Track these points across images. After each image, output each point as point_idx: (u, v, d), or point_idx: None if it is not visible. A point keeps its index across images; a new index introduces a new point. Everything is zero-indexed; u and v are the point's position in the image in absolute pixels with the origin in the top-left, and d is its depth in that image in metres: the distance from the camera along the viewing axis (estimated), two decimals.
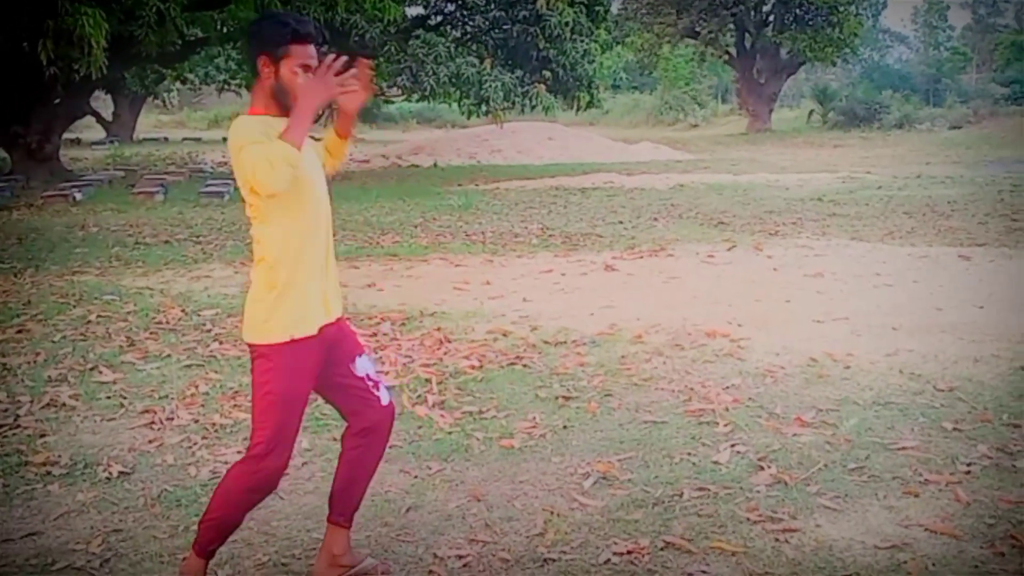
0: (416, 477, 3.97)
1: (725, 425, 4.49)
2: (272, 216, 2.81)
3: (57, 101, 17.88)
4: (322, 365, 2.92)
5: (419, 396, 4.99)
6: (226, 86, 30.54)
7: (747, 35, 35.39)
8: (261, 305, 2.84)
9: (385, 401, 3.05)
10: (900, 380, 5.15)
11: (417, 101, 21.42)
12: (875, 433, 4.36)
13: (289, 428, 2.86)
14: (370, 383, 3.02)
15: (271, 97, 2.81)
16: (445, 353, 5.80)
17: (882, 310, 6.79)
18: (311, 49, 2.79)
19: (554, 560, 3.23)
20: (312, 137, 2.92)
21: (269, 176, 2.64)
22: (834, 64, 36.24)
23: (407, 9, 19.41)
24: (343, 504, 3.07)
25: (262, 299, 2.84)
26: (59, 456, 4.21)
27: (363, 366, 3.02)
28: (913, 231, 10.73)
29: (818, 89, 36.78)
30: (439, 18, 19.80)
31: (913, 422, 4.50)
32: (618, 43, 34.31)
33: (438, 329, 6.33)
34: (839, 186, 15.74)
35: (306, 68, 2.77)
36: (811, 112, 35.63)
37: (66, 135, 20.59)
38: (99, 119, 31.19)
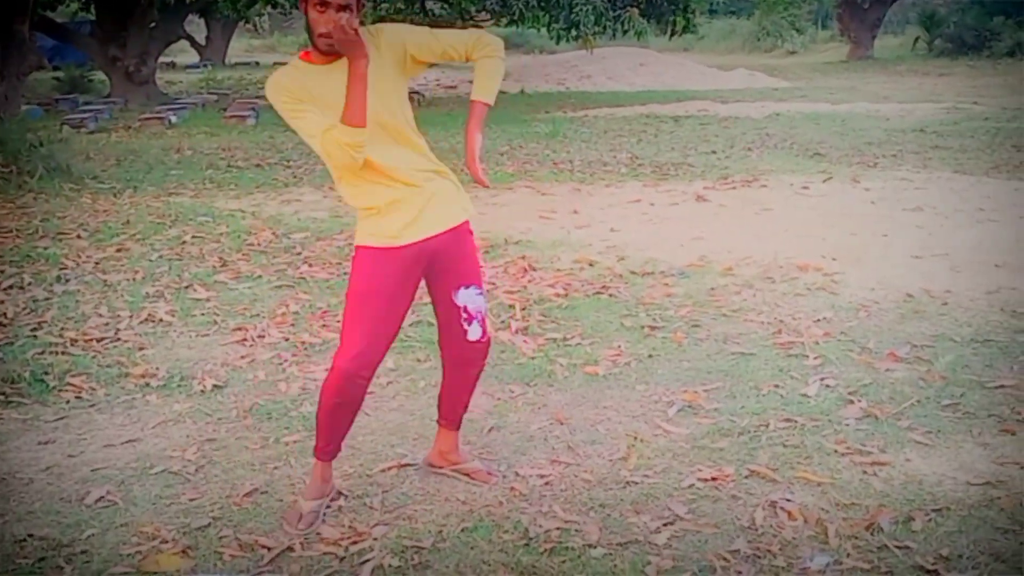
0: (498, 399, 4.01)
1: (815, 358, 4.40)
2: None
3: (152, 25, 18.23)
4: (416, 277, 2.93)
5: (502, 321, 5.00)
6: None
7: None
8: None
9: (473, 336, 3.03)
10: (1001, 318, 4.96)
11: (505, 26, 21.14)
12: (972, 370, 4.22)
13: (362, 330, 2.83)
14: (464, 315, 3.00)
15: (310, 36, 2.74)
16: (529, 281, 5.79)
17: (984, 246, 6.53)
18: None
19: (636, 483, 3.23)
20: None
21: (340, 164, 2.73)
22: None
23: None
24: (447, 410, 3.26)
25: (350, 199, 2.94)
26: (157, 368, 4.37)
27: (464, 297, 2.98)
28: (1021, 165, 10.21)
29: (924, 14, 35.02)
30: None
31: (1013, 360, 4.33)
32: None
33: (523, 257, 6.32)
34: (943, 117, 15.07)
35: (322, 4, 2.62)
36: (916, 39, 33.99)
37: (161, 59, 20.96)
38: (193, 43, 31.59)
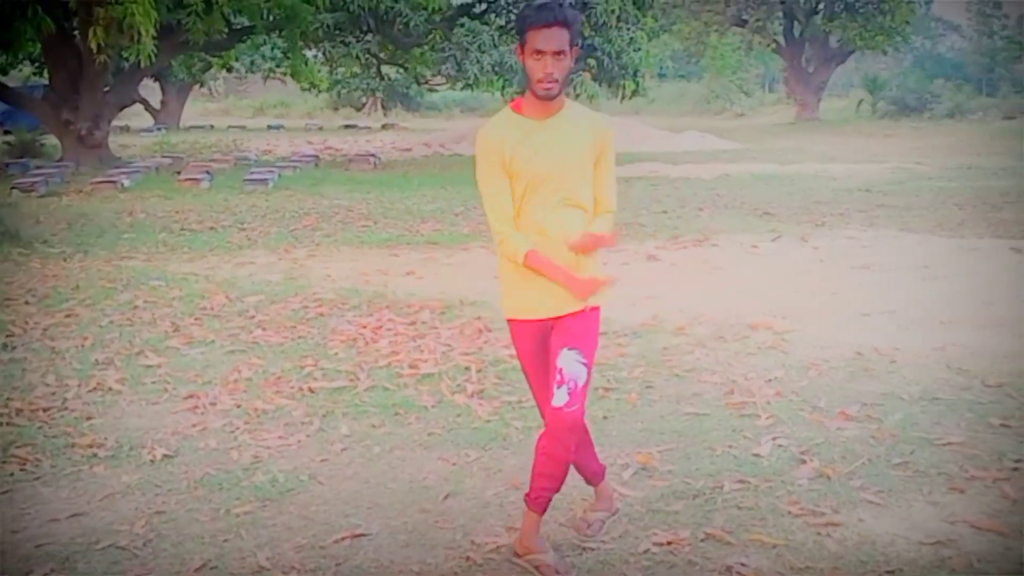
0: (454, 464, 3.98)
1: (767, 418, 4.44)
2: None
3: (106, 89, 18.17)
4: (545, 347, 3.06)
5: (458, 385, 4.99)
6: (271, 74, 30.78)
7: (796, 23, 34.90)
8: (501, 281, 3.12)
9: (556, 402, 2.91)
10: (947, 375, 5.05)
11: (461, 89, 21.45)
12: (921, 428, 4.28)
13: (537, 393, 3.16)
14: (558, 377, 2.93)
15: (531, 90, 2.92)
16: (485, 342, 5.80)
17: (930, 303, 6.67)
18: (547, 32, 2.82)
19: (593, 549, 3.22)
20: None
21: (498, 247, 3.02)
22: (885, 53, 35.59)
23: None
24: (534, 488, 3.08)
25: (501, 275, 3.12)
26: (105, 438, 4.28)
27: (564, 359, 2.94)
28: (963, 223, 10.52)
29: (868, 78, 36.17)
30: (483, 6, 19.74)
31: (960, 418, 4.41)
32: (665, 31, 33.97)
33: (478, 318, 6.33)
34: (888, 176, 15.48)
35: (539, 53, 2.83)
36: (860, 101, 35.05)
37: (115, 122, 20.88)
38: (147, 107, 31.63)
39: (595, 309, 3.06)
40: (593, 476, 3.38)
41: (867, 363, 5.28)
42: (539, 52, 2.82)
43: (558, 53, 2.82)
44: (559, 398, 2.92)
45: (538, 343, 3.07)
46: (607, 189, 3.07)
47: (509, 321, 3.14)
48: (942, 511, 3.46)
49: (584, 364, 2.95)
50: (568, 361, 2.94)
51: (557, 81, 2.86)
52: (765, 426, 4.34)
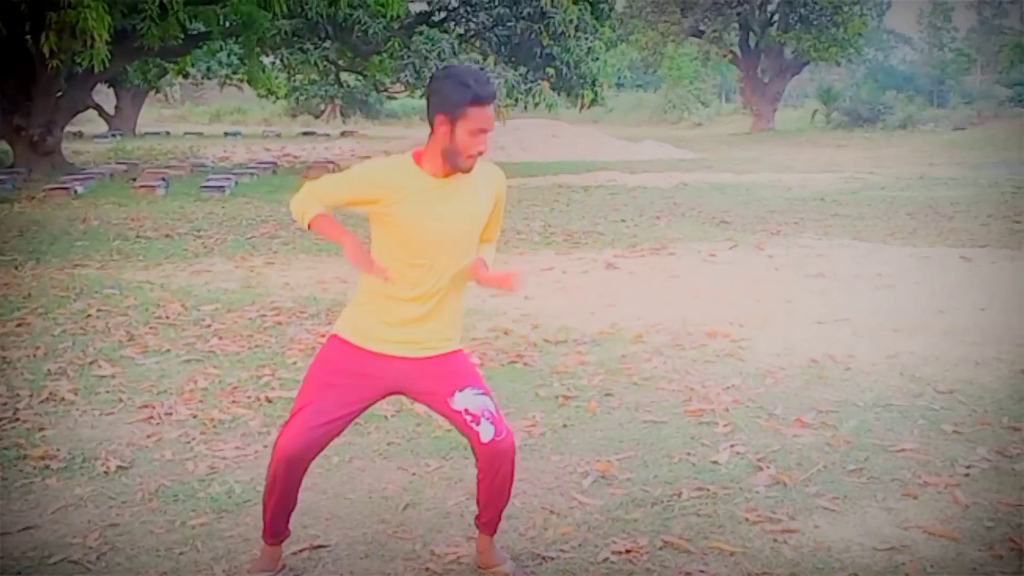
0: (414, 474, 3.97)
1: (725, 425, 4.48)
2: (375, 227, 2.91)
3: (60, 94, 17.89)
4: (377, 389, 2.94)
5: None
6: (228, 80, 30.53)
7: (751, 34, 35.34)
8: (356, 296, 3.01)
9: (486, 437, 2.86)
10: (900, 382, 5.14)
11: (420, 98, 21.41)
12: (875, 435, 4.35)
13: (306, 409, 2.86)
14: (468, 418, 2.87)
15: (441, 156, 2.79)
16: None
17: (883, 311, 6.78)
18: (489, 110, 2.75)
19: (552, 558, 3.22)
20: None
21: (293, 203, 2.96)
22: (838, 64, 36.16)
23: (411, 5, 19.38)
24: (480, 511, 3.08)
25: (360, 290, 2.99)
26: (57, 450, 4.21)
27: (461, 401, 2.88)
28: (915, 232, 10.72)
29: (822, 89, 36.71)
30: (442, 14, 19.76)
31: (913, 424, 4.49)
32: (622, 41, 34.20)
33: None
34: (842, 186, 15.72)
35: (482, 131, 2.73)
36: (815, 112, 35.57)
37: (68, 128, 20.57)
38: (101, 113, 31.16)
39: (458, 352, 2.99)
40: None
41: (822, 370, 5.35)
42: (482, 131, 2.73)
43: (487, 131, 2.77)
44: (485, 433, 2.87)
45: (355, 375, 2.89)
46: (496, 227, 3.05)
47: (335, 338, 2.95)
48: (896, 517, 3.52)
49: (483, 393, 2.92)
50: (467, 399, 2.88)
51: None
52: (723, 433, 4.38)
